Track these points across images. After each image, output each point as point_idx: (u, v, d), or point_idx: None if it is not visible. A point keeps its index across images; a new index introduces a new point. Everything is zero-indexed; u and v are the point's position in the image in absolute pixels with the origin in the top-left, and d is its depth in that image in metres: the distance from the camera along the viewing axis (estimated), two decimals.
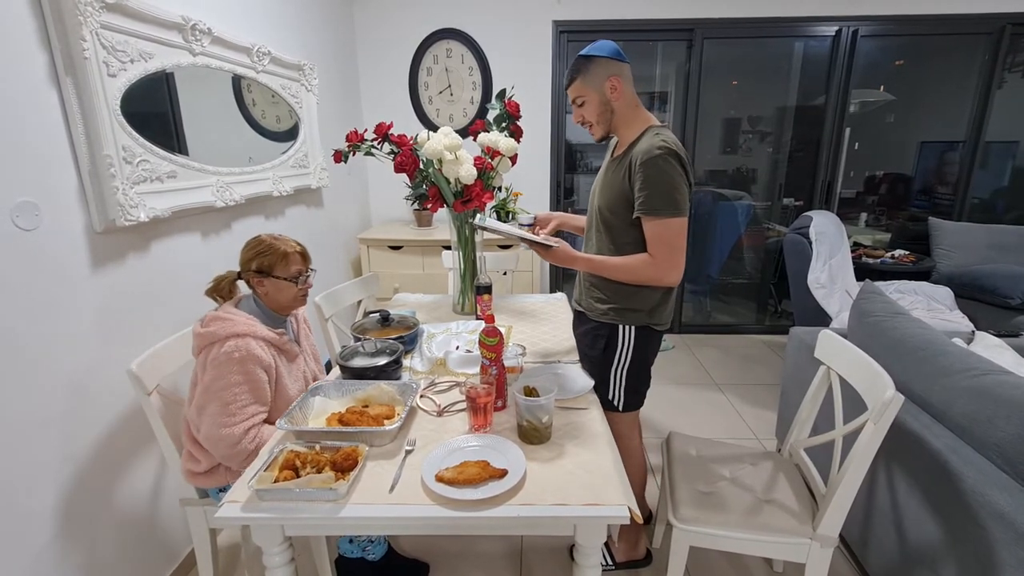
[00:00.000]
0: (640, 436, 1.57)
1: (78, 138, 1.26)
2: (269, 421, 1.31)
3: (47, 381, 1.21)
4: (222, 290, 1.35)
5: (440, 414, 1.24)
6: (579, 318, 1.55)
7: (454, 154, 1.67)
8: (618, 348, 1.41)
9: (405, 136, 1.76)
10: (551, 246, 1.36)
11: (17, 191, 1.13)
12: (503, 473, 0.98)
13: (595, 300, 1.44)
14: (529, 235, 1.39)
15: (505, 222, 2.47)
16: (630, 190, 1.29)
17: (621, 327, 1.40)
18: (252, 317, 1.30)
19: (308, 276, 1.40)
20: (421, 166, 1.75)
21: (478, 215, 1.49)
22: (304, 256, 1.39)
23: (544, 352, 1.59)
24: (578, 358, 1.54)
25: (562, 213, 1.63)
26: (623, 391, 1.45)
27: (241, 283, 1.37)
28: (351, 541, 1.49)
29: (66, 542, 1.26)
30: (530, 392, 1.11)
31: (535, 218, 1.61)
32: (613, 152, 1.43)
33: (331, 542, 1.55)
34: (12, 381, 1.13)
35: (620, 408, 1.46)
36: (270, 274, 1.32)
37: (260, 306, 1.36)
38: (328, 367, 2.05)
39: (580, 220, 1.61)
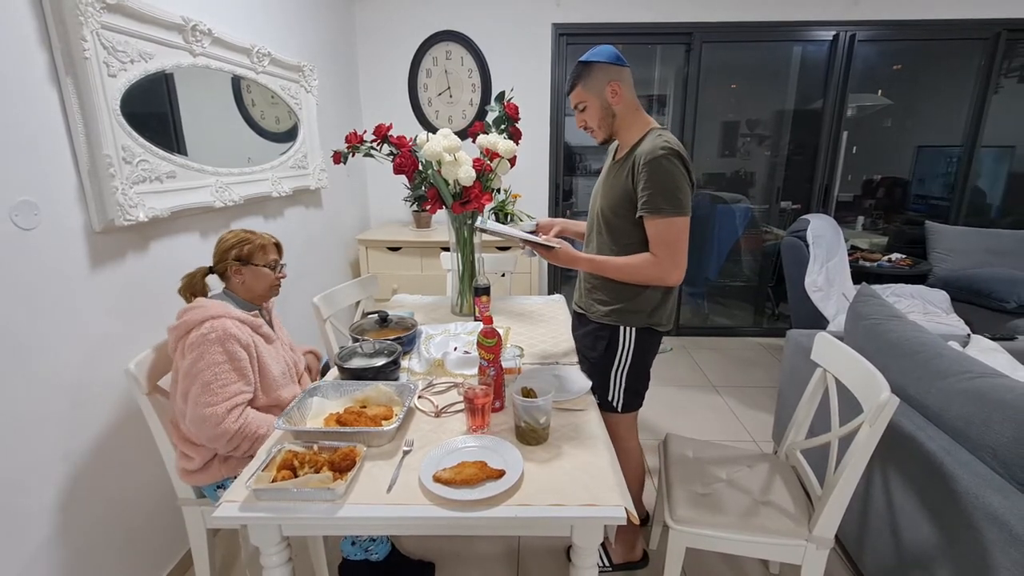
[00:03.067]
0: (637, 438, 1.58)
1: (78, 138, 1.26)
2: (256, 403, 1.31)
3: (45, 380, 1.21)
4: (195, 287, 1.37)
5: (438, 415, 1.24)
6: (579, 320, 1.55)
7: (453, 156, 1.68)
8: (619, 349, 1.42)
9: (404, 137, 1.76)
10: (553, 247, 1.37)
11: (16, 190, 1.13)
12: (500, 474, 0.98)
13: (596, 302, 1.45)
14: (530, 236, 1.40)
15: (503, 224, 2.46)
16: (633, 191, 1.30)
17: (622, 328, 1.40)
18: (225, 302, 1.33)
19: (283, 266, 1.45)
20: (420, 167, 1.75)
21: (479, 218, 1.50)
22: (279, 247, 1.46)
23: (542, 353, 1.59)
24: (576, 360, 1.54)
25: (563, 219, 1.64)
26: (622, 392, 1.45)
27: (211, 280, 1.40)
28: (353, 543, 1.48)
29: (63, 541, 1.26)
30: (528, 393, 1.11)
31: (537, 224, 1.61)
32: (615, 155, 1.44)
33: (329, 542, 1.55)
34: (10, 380, 1.13)
35: (619, 409, 1.47)
36: (249, 262, 1.37)
37: (232, 297, 1.39)
38: (326, 368, 2.06)
39: (581, 226, 1.62)
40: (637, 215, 1.30)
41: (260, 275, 1.39)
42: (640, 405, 1.50)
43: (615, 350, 1.42)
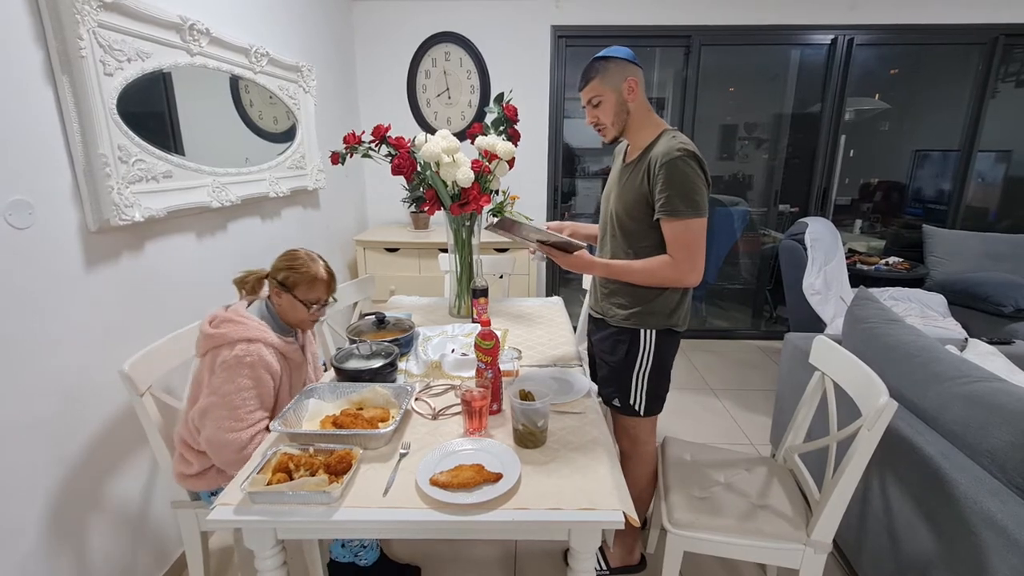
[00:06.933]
0: (655, 442, 1.54)
1: (73, 137, 1.25)
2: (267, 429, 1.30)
3: (38, 382, 1.20)
4: (247, 283, 1.36)
5: (435, 417, 1.23)
6: (596, 324, 1.53)
7: (451, 157, 1.67)
8: (640, 352, 1.40)
9: (403, 138, 1.76)
10: (574, 249, 1.34)
11: (11, 189, 1.12)
12: (498, 477, 0.97)
13: (615, 306, 1.42)
14: (554, 234, 1.36)
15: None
16: (650, 192, 1.29)
17: (643, 331, 1.39)
18: (263, 323, 1.30)
19: (325, 305, 1.39)
20: (418, 168, 1.75)
21: (486, 217, 1.46)
22: (330, 286, 1.38)
23: (540, 356, 1.59)
24: (576, 363, 1.54)
25: (572, 223, 1.62)
26: (645, 395, 1.43)
27: (266, 283, 1.38)
28: (343, 546, 1.48)
29: (55, 546, 1.25)
30: (526, 396, 1.11)
31: (546, 228, 1.59)
32: (625, 157, 1.43)
33: (324, 546, 1.54)
34: (2, 382, 1.12)
35: (641, 413, 1.44)
36: (291, 291, 1.32)
37: (272, 313, 1.35)
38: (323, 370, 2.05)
39: (590, 229, 1.60)
40: (655, 217, 1.29)
41: (295, 308, 1.34)
42: (661, 408, 1.47)
43: (636, 353, 1.40)
